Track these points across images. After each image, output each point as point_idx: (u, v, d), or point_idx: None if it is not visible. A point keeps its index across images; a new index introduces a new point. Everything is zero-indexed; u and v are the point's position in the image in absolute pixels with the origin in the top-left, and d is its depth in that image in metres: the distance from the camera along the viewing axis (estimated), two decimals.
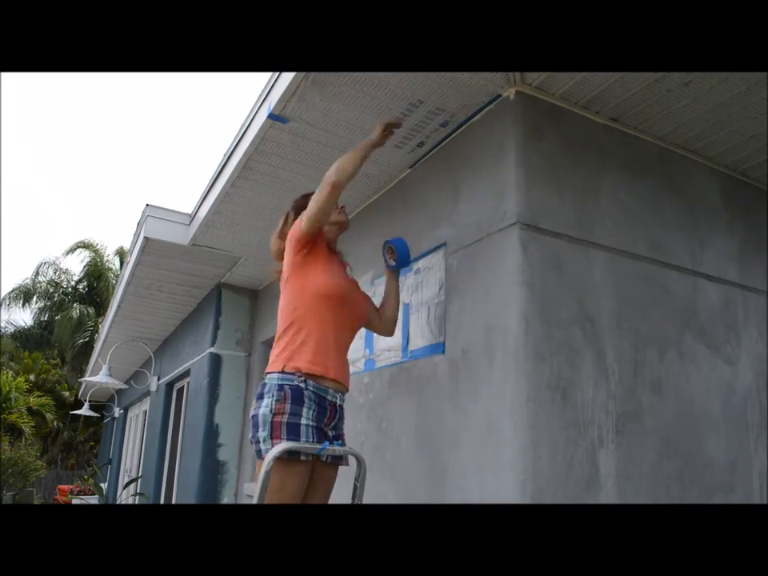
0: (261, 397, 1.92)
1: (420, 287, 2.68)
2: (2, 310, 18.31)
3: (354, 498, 2.03)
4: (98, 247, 18.30)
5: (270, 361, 2.01)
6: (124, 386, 8.52)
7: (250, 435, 1.93)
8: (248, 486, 4.53)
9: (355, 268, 3.35)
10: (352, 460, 1.99)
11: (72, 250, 18.16)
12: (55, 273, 18.61)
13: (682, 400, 2.39)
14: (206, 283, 5.10)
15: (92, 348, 15.92)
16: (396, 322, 2.40)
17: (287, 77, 2.37)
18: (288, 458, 1.80)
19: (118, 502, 8.71)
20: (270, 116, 2.57)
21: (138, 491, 7.50)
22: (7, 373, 15.30)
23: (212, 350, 4.94)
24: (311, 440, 1.84)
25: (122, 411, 11.33)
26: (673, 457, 2.30)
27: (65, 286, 18.56)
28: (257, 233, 3.88)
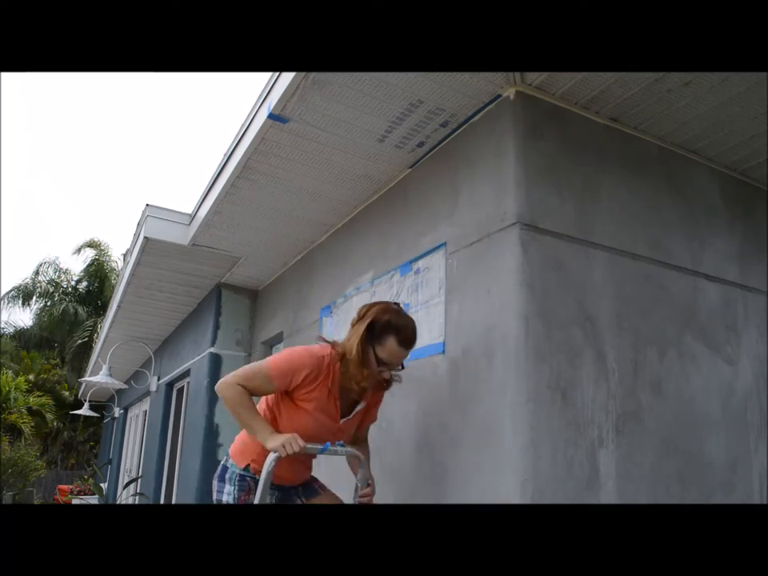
0: (222, 480, 2.10)
1: (420, 287, 2.68)
2: (2, 310, 18.30)
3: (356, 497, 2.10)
4: (104, 248, 18.33)
5: (236, 447, 2.16)
6: (124, 386, 8.51)
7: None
8: None
9: (355, 268, 3.36)
10: None
11: (79, 250, 18.20)
12: (55, 273, 18.62)
13: (681, 400, 2.39)
14: (206, 283, 5.10)
15: (91, 348, 15.94)
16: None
17: (287, 77, 2.37)
18: None
19: (117, 502, 8.71)
20: (270, 116, 2.57)
21: (137, 491, 7.51)
22: (7, 373, 15.30)
23: (212, 349, 4.94)
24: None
25: (122, 411, 11.32)
26: (673, 457, 2.30)
27: (65, 286, 18.56)
28: (257, 233, 3.88)
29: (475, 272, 2.32)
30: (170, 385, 6.87)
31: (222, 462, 2.18)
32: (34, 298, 18.14)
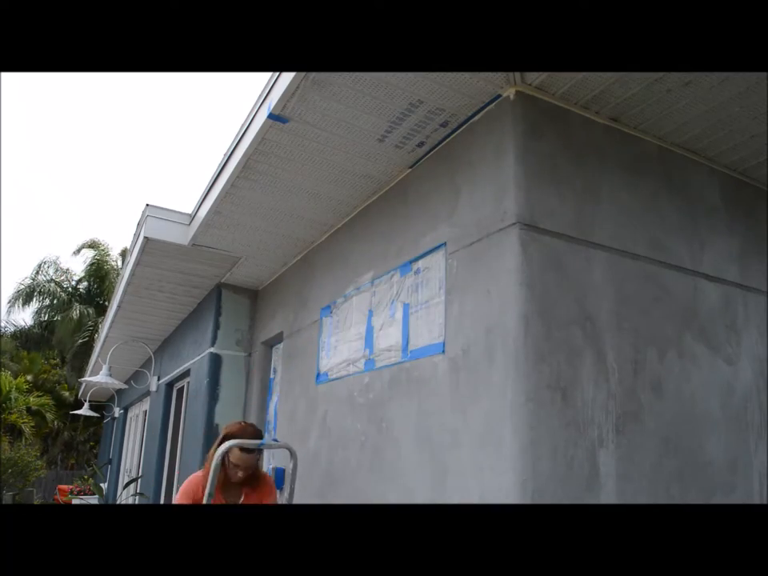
0: None
1: (420, 287, 2.68)
2: (5, 311, 18.35)
3: (287, 484, 2.53)
4: (104, 248, 18.34)
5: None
6: (124, 386, 8.51)
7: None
8: None
9: (355, 268, 3.36)
10: None
11: (79, 250, 18.21)
12: (56, 272, 18.63)
13: (681, 400, 2.39)
14: (206, 283, 5.10)
15: (91, 348, 15.92)
16: None
17: (287, 77, 2.37)
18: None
19: (117, 502, 8.71)
20: (270, 116, 2.57)
21: (138, 491, 7.50)
22: (7, 373, 15.31)
23: (212, 349, 4.94)
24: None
25: (122, 411, 11.33)
26: (673, 457, 2.30)
27: (65, 286, 18.57)
28: (257, 233, 3.89)
29: (475, 272, 2.32)
30: (170, 385, 6.87)
31: None
32: (35, 298, 18.15)
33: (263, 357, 4.81)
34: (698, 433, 2.41)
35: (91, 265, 18.25)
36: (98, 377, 7.03)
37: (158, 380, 7.36)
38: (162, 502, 6.35)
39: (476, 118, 2.50)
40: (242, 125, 2.92)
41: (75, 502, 9.65)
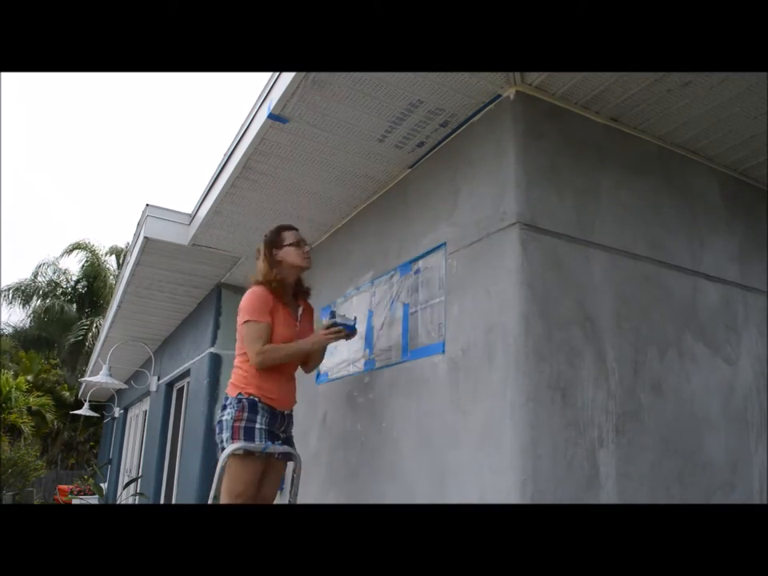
0: (224, 408, 2.51)
1: (420, 287, 2.68)
2: (2, 311, 18.36)
3: (291, 487, 2.63)
4: (94, 248, 18.33)
5: (229, 388, 2.58)
6: (124, 386, 8.52)
7: (216, 437, 2.48)
8: None
9: (355, 268, 3.36)
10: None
11: (69, 252, 18.19)
12: (54, 273, 18.63)
13: (681, 400, 2.39)
14: (206, 283, 5.09)
15: (84, 347, 15.90)
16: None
17: (287, 77, 2.37)
18: (243, 454, 2.36)
19: (117, 502, 8.71)
20: (270, 116, 2.57)
21: (138, 491, 7.51)
22: (7, 373, 15.30)
23: (212, 350, 4.94)
24: (263, 441, 2.40)
25: (122, 411, 11.32)
26: (673, 457, 2.30)
27: (64, 286, 18.57)
28: (257, 233, 3.88)
29: (475, 272, 2.32)
30: (170, 385, 6.86)
31: (223, 402, 2.58)
32: (33, 298, 18.15)
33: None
34: (698, 433, 2.41)
35: (84, 265, 18.27)
36: (98, 377, 7.04)
37: (158, 380, 7.36)
38: (162, 501, 6.35)
39: (476, 117, 2.50)
40: (242, 125, 2.92)
41: (75, 502, 9.65)
